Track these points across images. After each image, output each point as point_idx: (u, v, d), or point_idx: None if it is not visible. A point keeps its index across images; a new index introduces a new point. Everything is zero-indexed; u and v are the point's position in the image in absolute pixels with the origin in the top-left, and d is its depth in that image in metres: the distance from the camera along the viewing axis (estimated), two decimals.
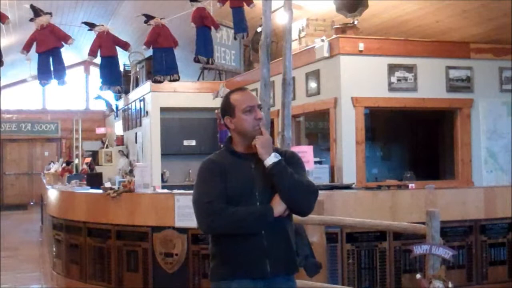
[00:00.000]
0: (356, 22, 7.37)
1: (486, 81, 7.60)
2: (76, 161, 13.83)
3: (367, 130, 7.50)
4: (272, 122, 7.48)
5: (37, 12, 5.96)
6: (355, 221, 4.15)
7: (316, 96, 7.53)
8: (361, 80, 7.07)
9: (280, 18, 6.70)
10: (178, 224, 5.05)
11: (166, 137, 10.70)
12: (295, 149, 6.10)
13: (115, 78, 6.47)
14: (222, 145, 2.82)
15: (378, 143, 9.47)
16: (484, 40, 7.65)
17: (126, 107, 13.29)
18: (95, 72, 17.23)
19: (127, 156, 12.87)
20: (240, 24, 6.40)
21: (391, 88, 7.19)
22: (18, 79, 16.75)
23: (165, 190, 6.12)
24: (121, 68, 9.88)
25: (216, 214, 2.50)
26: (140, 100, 11.46)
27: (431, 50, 7.40)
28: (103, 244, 5.59)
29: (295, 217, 2.73)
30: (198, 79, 11.18)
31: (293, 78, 5.99)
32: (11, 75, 15.41)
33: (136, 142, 11.93)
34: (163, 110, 10.69)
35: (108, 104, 15.33)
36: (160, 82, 6.66)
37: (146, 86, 10.90)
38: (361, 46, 7.04)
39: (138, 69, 12.06)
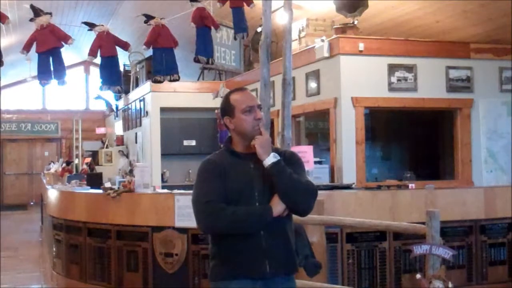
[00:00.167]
0: (356, 22, 7.37)
1: (486, 81, 7.60)
2: (76, 161, 13.85)
3: (367, 130, 7.49)
4: (272, 122, 7.48)
5: (37, 12, 5.97)
6: (355, 221, 4.15)
7: (316, 96, 7.53)
8: (361, 80, 7.07)
9: (280, 18, 6.70)
10: (178, 224, 5.04)
11: (166, 137, 10.70)
12: (295, 149, 6.10)
13: (115, 78, 6.48)
14: (222, 145, 2.82)
15: (378, 143, 9.46)
16: (484, 40, 7.65)
17: (126, 107, 13.29)
18: (95, 72, 17.22)
19: (127, 156, 12.87)
20: (240, 24, 6.40)
21: (391, 88, 7.19)
22: (18, 79, 16.72)
23: (165, 190, 6.11)
24: (121, 68, 9.87)
25: (215, 214, 2.50)
26: (140, 100, 11.46)
27: (431, 50, 7.40)
28: (103, 244, 5.59)
29: (295, 217, 2.73)
30: (198, 79, 11.17)
31: (293, 78, 5.99)
32: (11, 75, 15.40)
33: (136, 142, 11.93)
34: (163, 110, 10.69)
35: (108, 104, 15.32)
36: (160, 82, 6.66)
37: (146, 86, 10.90)
38: (361, 46, 7.04)
39: (138, 69, 12.05)
